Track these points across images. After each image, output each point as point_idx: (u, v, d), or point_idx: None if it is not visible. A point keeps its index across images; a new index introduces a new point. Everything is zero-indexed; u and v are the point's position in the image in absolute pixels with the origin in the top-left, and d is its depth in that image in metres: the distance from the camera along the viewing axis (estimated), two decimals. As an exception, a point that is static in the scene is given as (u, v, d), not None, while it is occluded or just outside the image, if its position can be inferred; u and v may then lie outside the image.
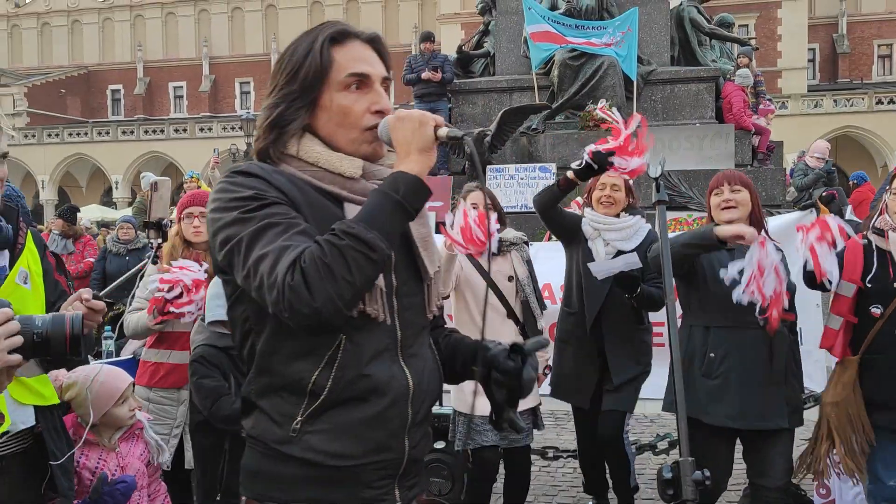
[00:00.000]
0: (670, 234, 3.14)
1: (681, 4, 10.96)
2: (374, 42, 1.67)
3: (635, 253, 3.88)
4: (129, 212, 14.34)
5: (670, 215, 6.52)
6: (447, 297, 3.92)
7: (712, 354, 3.25)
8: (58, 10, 56.03)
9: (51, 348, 1.58)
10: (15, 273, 2.23)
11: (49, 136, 45.65)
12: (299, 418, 1.48)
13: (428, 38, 11.01)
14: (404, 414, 1.55)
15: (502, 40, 11.14)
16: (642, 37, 10.28)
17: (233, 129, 42.63)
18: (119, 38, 55.65)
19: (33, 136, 45.50)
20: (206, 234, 3.53)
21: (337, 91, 1.59)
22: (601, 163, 3.40)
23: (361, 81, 1.61)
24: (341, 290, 1.37)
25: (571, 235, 4.15)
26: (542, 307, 4.07)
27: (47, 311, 2.19)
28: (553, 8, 10.43)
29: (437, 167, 10.18)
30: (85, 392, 2.60)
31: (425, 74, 10.34)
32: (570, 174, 3.67)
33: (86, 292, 2.31)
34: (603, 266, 3.85)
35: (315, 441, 1.48)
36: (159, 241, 2.81)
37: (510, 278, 3.98)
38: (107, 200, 43.52)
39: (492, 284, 3.88)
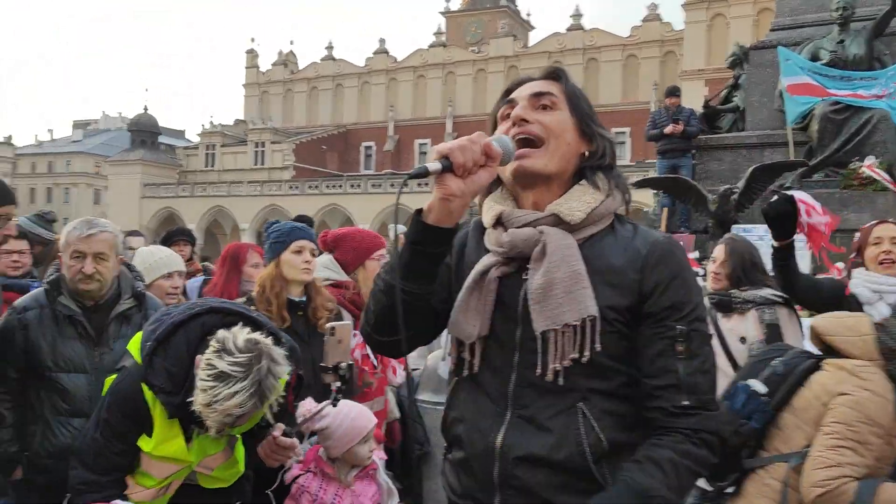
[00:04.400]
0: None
1: (971, 51, 9.67)
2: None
3: None
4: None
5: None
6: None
7: None
8: (324, 76, 62.59)
9: None
10: None
11: (310, 187, 50.57)
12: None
13: (673, 92, 10.69)
14: (488, 470, 1.49)
15: (754, 94, 10.51)
16: (921, 88, 9.17)
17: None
18: (374, 100, 60.78)
19: (297, 187, 50.73)
20: None
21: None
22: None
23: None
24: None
25: (832, 305, 3.65)
26: None
27: None
28: (814, 59, 9.67)
29: (678, 223, 9.73)
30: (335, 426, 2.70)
31: (668, 129, 10.02)
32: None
33: (277, 429, 2.38)
34: None
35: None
36: (337, 384, 2.85)
37: (742, 339, 3.61)
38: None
39: (721, 343, 3.56)
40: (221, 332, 2.18)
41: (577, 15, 56.26)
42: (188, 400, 2.16)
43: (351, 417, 2.73)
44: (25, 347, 2.86)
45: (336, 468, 2.75)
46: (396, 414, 3.78)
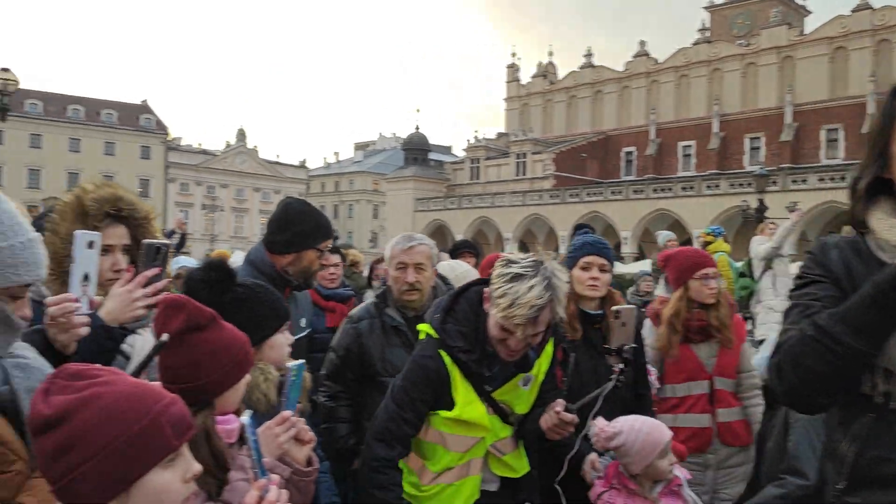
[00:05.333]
0: None
1: None
2: None
3: None
4: (645, 266, 14.87)
5: None
6: None
7: None
8: (583, 84, 62.64)
9: None
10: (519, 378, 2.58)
11: (570, 195, 50.84)
12: (839, 486, 1.47)
13: None
14: None
15: None
16: None
17: (741, 185, 41.83)
18: (635, 104, 59.57)
19: (558, 195, 51.28)
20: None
21: None
22: None
23: None
24: (803, 380, 1.36)
25: None
26: None
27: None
28: None
29: None
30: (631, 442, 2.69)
31: None
32: None
33: (559, 404, 2.47)
34: None
35: None
36: (620, 366, 2.84)
37: None
38: (615, 255, 46.36)
39: None
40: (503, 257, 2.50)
41: (865, -8, 50.36)
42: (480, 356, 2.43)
43: (644, 432, 2.70)
44: (360, 353, 3.25)
45: (639, 484, 2.73)
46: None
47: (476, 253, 6.31)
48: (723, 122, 54.22)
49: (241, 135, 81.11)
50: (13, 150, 64.03)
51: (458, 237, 55.28)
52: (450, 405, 2.51)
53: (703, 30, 58.91)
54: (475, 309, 2.53)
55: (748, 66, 54.00)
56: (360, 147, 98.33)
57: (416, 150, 63.44)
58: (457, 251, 6.26)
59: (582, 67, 63.74)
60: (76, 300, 1.87)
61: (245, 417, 1.61)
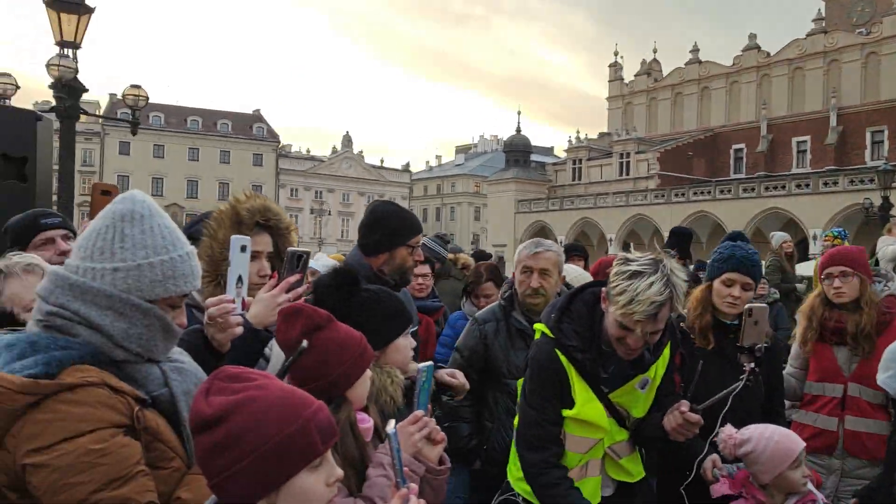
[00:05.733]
0: None
1: None
2: None
3: None
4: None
5: None
6: None
7: None
8: (689, 80, 60.85)
9: None
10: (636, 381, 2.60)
11: (676, 195, 49.49)
12: None
13: None
14: None
15: None
16: None
17: (861, 181, 39.66)
18: (744, 99, 57.38)
19: (663, 195, 50.05)
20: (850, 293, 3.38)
21: None
22: None
23: None
24: None
25: None
26: None
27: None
28: None
29: None
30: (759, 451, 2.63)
31: None
32: None
33: (684, 404, 2.47)
34: None
35: None
36: (751, 365, 2.78)
37: None
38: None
39: None
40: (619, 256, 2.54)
41: None
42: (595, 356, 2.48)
43: (774, 441, 2.61)
44: (485, 354, 3.38)
45: (768, 495, 2.64)
46: None
47: (585, 256, 6.35)
48: (841, 116, 51.43)
49: (348, 140, 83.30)
50: (139, 160, 68.45)
51: (561, 239, 54.93)
52: (570, 404, 2.55)
53: (818, 19, 56.10)
54: (591, 309, 2.56)
55: (869, 55, 51.02)
56: (461, 150, 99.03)
57: (518, 152, 63.31)
58: (567, 254, 6.35)
59: (687, 64, 61.90)
60: (232, 301, 1.98)
61: (390, 427, 1.69)
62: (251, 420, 1.25)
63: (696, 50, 61.95)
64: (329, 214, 75.69)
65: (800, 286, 9.02)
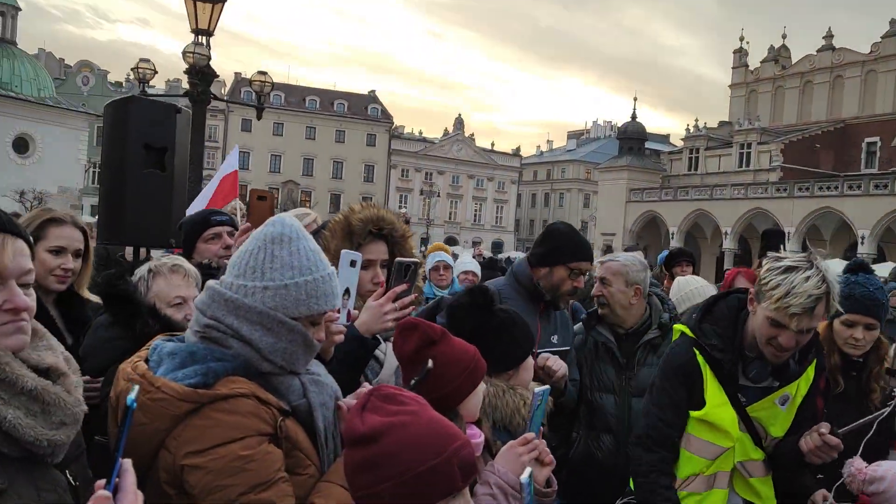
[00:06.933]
0: None
1: None
2: None
3: None
4: (884, 271, 13.53)
5: None
6: None
7: None
8: (821, 68, 57.52)
9: None
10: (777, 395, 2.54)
11: (799, 189, 47.07)
12: None
13: None
14: None
15: None
16: None
17: None
18: (881, 89, 53.72)
19: (785, 189, 47.71)
20: None
21: None
22: None
23: None
24: None
25: None
26: None
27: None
28: None
29: None
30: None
31: None
32: None
33: (824, 426, 2.39)
34: None
35: None
36: None
37: None
38: (849, 255, 42.41)
39: None
40: None
41: None
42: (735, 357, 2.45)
43: None
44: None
45: None
46: None
47: (693, 261, 6.14)
48: None
49: (459, 123, 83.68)
50: (260, 138, 71.15)
51: (672, 230, 53.42)
52: (700, 405, 2.53)
53: (971, 4, 51.74)
54: (734, 313, 2.54)
55: None
56: (573, 136, 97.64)
57: (632, 139, 61.71)
58: (673, 260, 6.13)
59: (819, 50, 58.44)
60: (337, 311, 2.01)
61: (525, 476, 1.71)
62: (401, 445, 1.32)
63: (829, 36, 58.40)
64: (438, 196, 76.43)
65: None
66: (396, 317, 2.17)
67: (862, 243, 42.92)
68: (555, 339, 3.25)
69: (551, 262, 3.14)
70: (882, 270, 15.63)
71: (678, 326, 2.69)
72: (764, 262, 2.40)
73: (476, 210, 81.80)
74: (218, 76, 11.31)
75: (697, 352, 2.53)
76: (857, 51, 56.20)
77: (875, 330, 2.92)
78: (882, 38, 54.59)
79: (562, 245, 3.16)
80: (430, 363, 1.85)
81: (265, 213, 3.01)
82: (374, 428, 1.34)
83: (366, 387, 1.94)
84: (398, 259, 2.29)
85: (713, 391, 2.51)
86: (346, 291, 2.12)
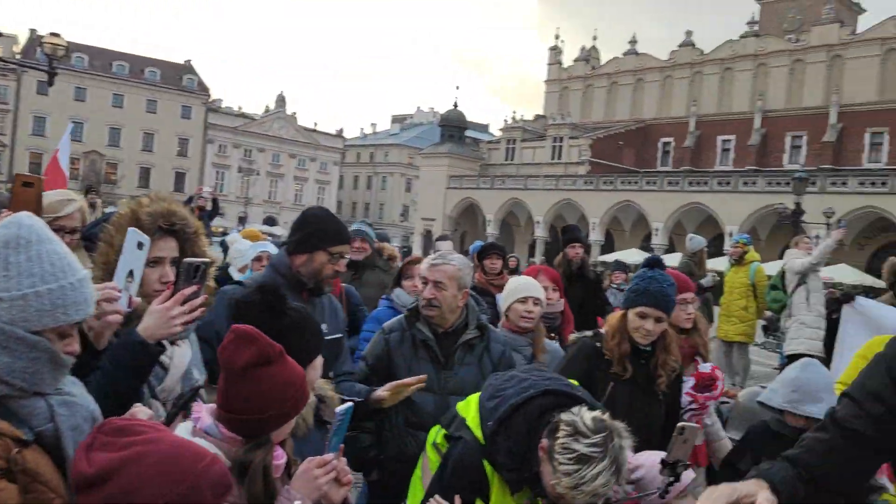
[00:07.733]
0: None
1: None
2: None
3: None
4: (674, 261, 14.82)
5: None
6: None
7: None
8: (625, 70, 61.89)
9: None
10: None
11: (604, 183, 50.47)
12: None
13: None
14: None
15: None
16: None
17: (778, 184, 41.20)
18: (676, 94, 58.73)
19: (592, 182, 50.96)
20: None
21: None
22: None
23: None
24: None
25: None
26: None
27: None
28: None
29: None
30: None
31: None
32: None
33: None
34: None
35: None
36: (671, 479, 2.69)
37: None
38: (645, 245, 46.14)
39: None
40: (568, 416, 2.26)
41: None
42: (526, 475, 2.31)
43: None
44: (388, 364, 3.36)
45: None
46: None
47: (503, 255, 6.28)
48: (765, 119, 53.30)
49: (281, 101, 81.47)
50: (59, 102, 64.84)
51: (489, 217, 55.34)
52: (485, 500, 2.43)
53: (752, 23, 57.74)
54: (531, 431, 2.36)
55: (796, 62, 52.91)
56: (397, 119, 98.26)
57: (453, 127, 63.19)
58: (484, 253, 6.23)
59: (625, 54, 62.89)
60: (118, 290, 1.90)
61: (341, 409, 1.71)
62: (136, 480, 1.20)
63: (634, 41, 62.97)
64: (258, 174, 74.00)
65: (704, 280, 9.50)
66: (185, 321, 2.03)
67: (656, 235, 46.81)
68: (324, 327, 3.04)
69: (310, 248, 3.02)
70: (671, 261, 17.13)
71: (471, 422, 2.50)
72: (559, 437, 2.23)
73: (297, 191, 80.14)
74: (1, 33, 10.09)
75: (486, 463, 2.41)
76: (658, 57, 61.03)
77: (663, 322, 3.15)
78: (679, 46, 59.66)
79: (319, 230, 3.06)
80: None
81: (31, 203, 2.56)
82: (102, 468, 1.23)
83: (137, 407, 1.78)
84: (187, 259, 2.12)
85: (498, 495, 2.42)
86: (130, 273, 1.96)
